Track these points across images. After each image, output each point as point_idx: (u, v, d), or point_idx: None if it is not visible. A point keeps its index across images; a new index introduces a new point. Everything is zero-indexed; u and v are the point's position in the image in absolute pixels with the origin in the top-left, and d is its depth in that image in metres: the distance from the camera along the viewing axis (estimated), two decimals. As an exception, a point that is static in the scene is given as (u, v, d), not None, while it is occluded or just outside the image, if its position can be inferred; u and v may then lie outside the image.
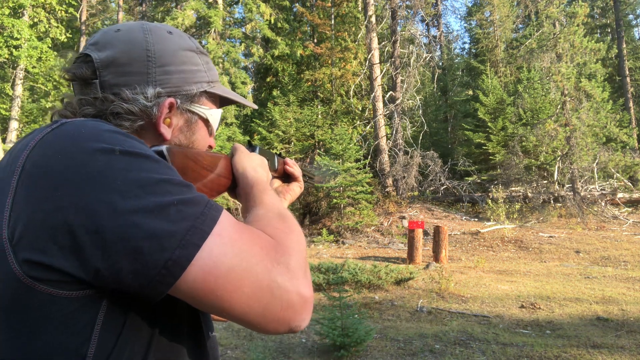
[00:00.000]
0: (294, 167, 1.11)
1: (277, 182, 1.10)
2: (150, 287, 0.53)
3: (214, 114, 0.79)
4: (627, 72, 21.96)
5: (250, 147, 0.96)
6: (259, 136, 16.92)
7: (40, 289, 0.53)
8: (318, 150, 17.00)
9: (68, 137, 0.56)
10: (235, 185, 0.84)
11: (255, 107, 0.95)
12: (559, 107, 14.66)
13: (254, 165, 0.84)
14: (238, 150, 0.87)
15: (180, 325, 0.65)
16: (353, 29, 19.54)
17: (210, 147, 0.83)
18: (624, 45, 22.17)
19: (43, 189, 0.53)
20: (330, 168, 12.86)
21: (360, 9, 19.24)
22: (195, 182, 0.73)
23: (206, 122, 0.78)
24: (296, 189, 1.12)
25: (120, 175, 0.54)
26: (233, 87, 17.31)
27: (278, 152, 1.11)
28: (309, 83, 19.46)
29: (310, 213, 14.36)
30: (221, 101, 0.85)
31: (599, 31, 26.01)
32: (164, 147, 0.68)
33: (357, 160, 14.04)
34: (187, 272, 0.53)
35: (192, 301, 0.56)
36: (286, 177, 1.12)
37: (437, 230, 9.15)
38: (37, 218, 0.52)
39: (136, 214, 0.52)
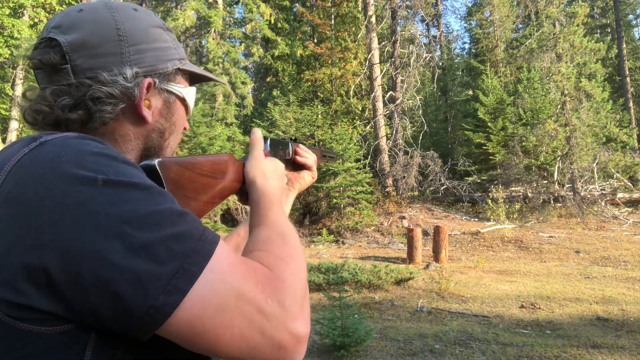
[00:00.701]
0: (306, 157, 1.08)
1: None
2: (134, 331, 0.50)
3: (189, 93, 0.76)
4: (627, 72, 21.96)
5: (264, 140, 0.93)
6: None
7: (22, 327, 0.49)
8: (318, 150, 17.00)
9: (47, 162, 0.51)
10: (245, 188, 0.81)
11: (225, 82, 0.93)
12: (559, 107, 14.66)
13: (266, 174, 0.82)
14: (253, 152, 0.85)
15: (177, 354, 0.62)
16: (353, 29, 19.54)
17: (185, 128, 0.79)
18: (624, 45, 22.17)
19: (18, 223, 0.49)
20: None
21: (360, 9, 19.24)
22: (196, 193, 0.70)
23: (183, 101, 0.75)
24: (307, 177, 1.09)
25: (103, 210, 0.49)
26: (233, 87, 17.32)
27: (293, 137, 1.08)
28: (309, 83, 19.46)
29: (310, 213, 14.36)
30: (191, 79, 0.80)
31: (599, 31, 26.00)
32: (155, 162, 0.64)
33: (357, 160, 14.04)
34: (172, 317, 0.49)
35: (178, 342, 0.53)
36: (298, 164, 1.08)
37: (437, 230, 9.15)
38: (13, 256, 0.48)
39: (119, 255, 0.48)
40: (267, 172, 0.82)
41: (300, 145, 1.08)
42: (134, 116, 0.67)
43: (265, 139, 0.93)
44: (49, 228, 0.48)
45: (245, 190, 0.82)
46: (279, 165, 0.88)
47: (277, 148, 0.98)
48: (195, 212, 0.69)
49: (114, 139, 0.66)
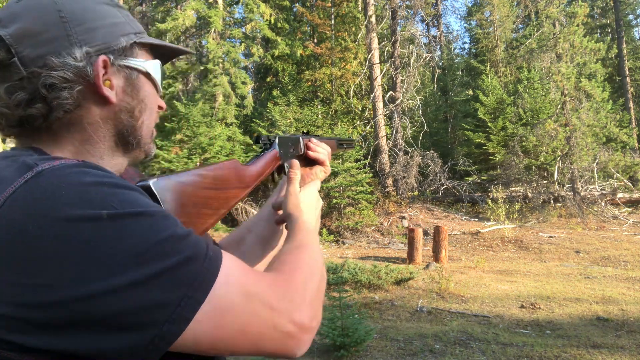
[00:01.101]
0: (319, 151, 1.05)
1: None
2: (140, 358, 0.50)
3: (153, 66, 0.71)
4: (627, 72, 21.96)
5: (269, 140, 0.92)
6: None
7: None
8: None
9: (47, 199, 0.49)
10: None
11: (192, 52, 0.89)
12: (559, 107, 14.66)
13: (303, 208, 0.89)
14: (288, 188, 0.92)
15: None
16: (353, 29, 19.54)
17: (160, 107, 0.75)
18: (624, 45, 22.17)
19: (17, 261, 0.47)
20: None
21: (360, 9, 19.24)
22: (199, 208, 0.69)
23: (147, 75, 0.70)
24: (320, 173, 1.08)
25: (110, 247, 0.49)
26: (233, 87, 17.32)
27: (305, 131, 1.05)
28: (309, 83, 19.46)
29: (310, 213, 14.38)
30: (162, 57, 0.77)
31: (599, 31, 26.00)
32: (150, 182, 0.63)
33: (357, 160, 14.04)
34: (179, 341, 0.51)
35: (190, 352, 0.55)
36: (311, 160, 1.04)
37: (437, 230, 9.15)
38: (10, 295, 0.47)
39: (126, 289, 0.48)
40: (304, 206, 0.90)
41: (313, 139, 1.05)
42: (97, 99, 0.64)
43: (274, 137, 0.93)
44: (52, 266, 0.47)
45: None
46: (316, 197, 0.97)
47: (287, 145, 0.96)
48: (200, 227, 0.68)
49: (82, 128, 0.64)
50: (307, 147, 1.03)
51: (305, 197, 0.93)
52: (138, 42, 0.69)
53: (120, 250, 0.49)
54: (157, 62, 0.72)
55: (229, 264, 0.57)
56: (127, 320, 0.48)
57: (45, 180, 0.51)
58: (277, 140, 0.92)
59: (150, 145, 0.74)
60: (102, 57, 0.63)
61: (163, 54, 0.77)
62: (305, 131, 1.04)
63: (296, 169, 0.95)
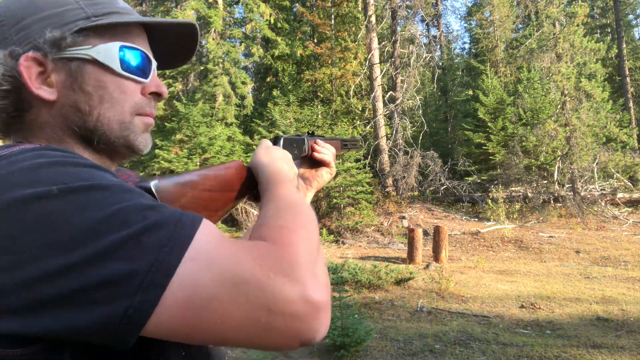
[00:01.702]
0: (324, 152, 1.02)
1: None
2: (116, 338, 0.46)
3: (103, 50, 0.62)
4: (627, 72, 21.96)
5: (274, 141, 0.90)
6: (258, 136, 16.91)
7: None
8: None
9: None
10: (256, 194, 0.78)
11: (189, 21, 0.72)
12: (559, 107, 14.67)
13: (273, 159, 0.79)
14: (258, 147, 0.83)
15: (166, 355, 0.57)
16: (353, 29, 19.54)
17: (156, 93, 0.69)
18: (624, 45, 22.17)
19: None
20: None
21: (360, 9, 19.24)
22: (204, 210, 0.67)
23: (97, 63, 0.62)
24: (325, 175, 1.04)
25: (63, 221, 0.46)
26: (233, 87, 17.32)
27: (310, 131, 1.03)
28: (309, 83, 19.46)
29: (310, 213, 14.38)
30: (159, 37, 0.71)
31: (599, 31, 26.00)
32: (150, 184, 0.61)
33: (357, 160, 14.04)
34: (156, 315, 0.46)
35: (176, 339, 0.49)
36: (316, 161, 1.02)
37: (437, 230, 9.15)
38: None
39: (87, 264, 0.45)
40: (274, 156, 0.80)
41: (318, 141, 1.03)
42: (37, 99, 0.61)
43: (278, 138, 0.91)
44: (10, 253, 0.45)
45: (256, 194, 0.78)
46: (287, 154, 0.84)
47: (292, 147, 0.95)
48: None
49: (41, 129, 0.62)
50: (312, 149, 1.01)
51: (276, 151, 0.82)
52: (85, 27, 0.62)
53: (74, 224, 0.46)
54: (111, 45, 0.63)
55: (209, 229, 0.51)
56: (94, 294, 0.45)
57: (0, 167, 0.50)
58: (282, 141, 0.90)
59: (134, 138, 0.66)
60: (26, 55, 0.59)
61: (165, 34, 0.72)
62: (310, 132, 1.03)
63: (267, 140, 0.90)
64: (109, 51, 0.63)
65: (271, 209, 0.65)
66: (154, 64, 0.69)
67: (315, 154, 1.01)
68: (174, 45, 0.75)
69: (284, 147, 0.91)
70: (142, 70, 0.67)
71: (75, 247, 0.45)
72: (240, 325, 0.48)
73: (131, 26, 0.67)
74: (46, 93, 0.61)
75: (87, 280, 0.45)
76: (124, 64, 0.64)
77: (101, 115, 0.63)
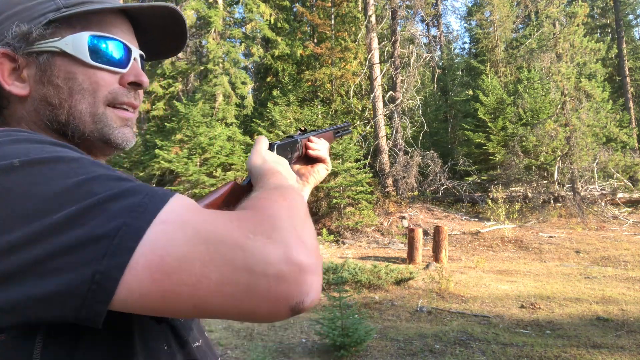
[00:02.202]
0: (318, 148, 1.00)
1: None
2: (85, 309, 0.43)
3: (71, 41, 0.61)
4: (627, 72, 21.96)
5: (270, 147, 0.89)
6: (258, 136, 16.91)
7: None
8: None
9: None
10: None
11: (144, 5, 0.67)
12: (559, 107, 14.67)
13: (266, 160, 0.78)
14: (252, 149, 0.82)
15: (150, 345, 0.55)
16: (353, 29, 19.53)
17: (135, 83, 0.66)
18: (624, 45, 22.17)
19: None
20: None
21: (360, 9, 19.24)
22: None
23: (66, 55, 0.61)
24: (322, 171, 1.02)
25: (26, 192, 0.45)
26: (233, 87, 17.32)
27: (302, 128, 1.01)
28: (309, 83, 19.46)
29: (310, 213, 14.36)
30: (145, 27, 0.70)
31: (599, 31, 26.00)
32: None
33: (357, 160, 14.04)
34: (125, 281, 0.43)
35: (152, 311, 0.46)
36: (311, 158, 1.01)
37: (437, 230, 9.15)
38: None
39: (51, 233, 0.43)
40: (268, 158, 0.79)
41: (311, 137, 1.01)
42: (11, 95, 0.61)
43: (272, 145, 0.89)
44: None
45: None
46: (282, 158, 0.84)
47: (286, 151, 0.93)
48: None
49: (19, 124, 0.62)
50: (306, 147, 1.00)
51: (270, 155, 0.82)
52: (54, 19, 0.60)
53: (38, 194, 0.45)
54: (81, 35, 0.61)
55: (183, 199, 0.49)
56: (59, 262, 0.43)
57: None
58: (275, 148, 0.89)
59: (109, 132, 0.64)
60: None
61: (151, 22, 0.70)
62: (301, 128, 1.01)
63: (262, 137, 0.88)
64: (77, 42, 0.61)
65: (257, 192, 0.63)
66: (135, 52, 0.67)
67: (310, 152, 1.00)
68: (163, 34, 0.73)
69: (278, 154, 0.89)
70: (118, 60, 0.64)
71: (39, 216, 0.44)
72: (218, 289, 0.44)
73: (108, 15, 0.64)
74: (17, 89, 0.61)
75: (51, 248, 0.43)
76: (94, 54, 0.62)
77: (72, 108, 0.62)
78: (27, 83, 0.61)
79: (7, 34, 0.60)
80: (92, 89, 0.62)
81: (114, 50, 0.64)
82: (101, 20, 0.64)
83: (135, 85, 0.66)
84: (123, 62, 0.65)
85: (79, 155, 0.50)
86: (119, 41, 0.64)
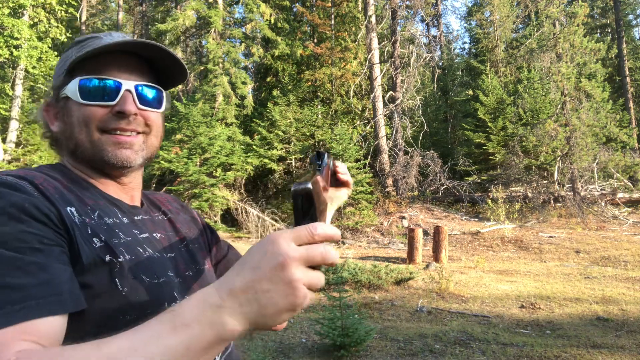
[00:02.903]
0: (347, 172, 1.04)
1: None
2: None
3: (70, 87, 0.77)
4: (627, 72, 21.95)
5: (318, 156, 0.84)
6: (259, 136, 16.92)
7: None
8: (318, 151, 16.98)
9: None
10: None
11: (108, 44, 0.78)
12: (559, 107, 14.67)
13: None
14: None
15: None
16: (353, 29, 19.53)
17: (121, 112, 0.76)
18: (624, 45, 22.16)
19: None
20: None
21: (360, 9, 19.24)
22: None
23: (69, 98, 0.77)
24: (345, 195, 1.07)
25: None
26: (233, 87, 17.32)
27: (324, 150, 1.02)
28: (309, 83, 19.45)
29: (310, 213, 14.36)
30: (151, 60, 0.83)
31: (599, 31, 26.01)
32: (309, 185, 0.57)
33: (357, 160, 14.04)
34: None
35: None
36: (335, 182, 1.02)
37: (437, 230, 9.15)
38: None
39: None
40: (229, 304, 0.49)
41: (337, 162, 1.04)
42: (54, 132, 0.82)
43: (322, 153, 0.85)
44: None
45: None
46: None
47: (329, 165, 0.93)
48: None
49: (61, 150, 0.82)
50: (336, 170, 1.02)
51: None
52: (66, 70, 0.78)
53: None
54: (74, 81, 0.77)
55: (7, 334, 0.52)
56: None
57: None
58: (327, 157, 0.86)
59: (104, 154, 0.77)
60: (44, 102, 0.82)
61: (154, 55, 0.82)
62: (325, 151, 0.94)
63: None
64: (72, 87, 0.77)
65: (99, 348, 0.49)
66: (127, 85, 0.78)
67: (341, 176, 1.03)
68: (164, 62, 0.84)
69: (324, 168, 0.83)
70: (105, 95, 0.77)
71: None
72: None
73: (103, 57, 0.78)
74: (54, 127, 0.81)
75: None
76: (83, 94, 0.76)
77: (77, 139, 0.77)
78: (59, 122, 0.80)
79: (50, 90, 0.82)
80: (85, 122, 0.76)
81: (100, 88, 0.77)
82: (97, 63, 0.77)
83: (120, 113, 0.77)
84: (111, 96, 0.77)
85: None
86: (106, 79, 0.77)
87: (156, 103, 0.82)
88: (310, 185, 0.55)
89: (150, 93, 0.81)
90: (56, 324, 0.56)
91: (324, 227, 0.51)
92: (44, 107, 0.82)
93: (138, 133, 0.79)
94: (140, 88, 0.79)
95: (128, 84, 0.78)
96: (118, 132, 0.77)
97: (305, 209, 0.55)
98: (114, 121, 0.77)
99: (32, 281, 0.55)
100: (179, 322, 0.47)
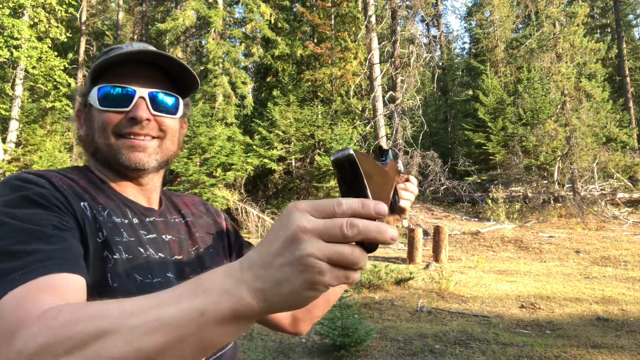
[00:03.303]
0: (412, 194, 0.87)
1: None
2: None
3: (92, 94, 0.83)
4: (627, 72, 21.95)
5: (381, 152, 0.72)
6: (259, 136, 16.92)
7: None
8: (318, 150, 17.00)
9: None
10: None
11: (138, 49, 0.84)
12: (559, 107, 14.67)
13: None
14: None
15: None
16: (353, 29, 19.53)
17: (134, 118, 0.81)
18: (624, 45, 22.16)
19: None
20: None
21: (360, 9, 19.23)
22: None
23: (91, 105, 0.83)
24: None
25: None
26: (233, 87, 17.31)
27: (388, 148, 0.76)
28: (309, 83, 19.45)
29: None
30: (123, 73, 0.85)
31: (599, 31, 26.00)
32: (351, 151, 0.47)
33: (357, 160, 14.01)
34: None
35: None
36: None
37: (437, 230, 9.15)
38: None
39: None
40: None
41: (411, 178, 0.89)
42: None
43: (385, 150, 0.73)
44: None
45: None
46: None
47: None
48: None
49: (87, 152, 0.88)
50: (398, 193, 0.85)
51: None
52: (92, 77, 0.84)
53: None
54: (94, 88, 0.82)
55: (14, 294, 0.54)
56: None
57: None
58: (390, 155, 0.73)
59: (119, 157, 0.81)
60: (77, 107, 0.89)
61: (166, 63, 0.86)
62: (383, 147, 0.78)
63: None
64: (92, 94, 0.83)
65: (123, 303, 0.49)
66: (141, 92, 0.82)
67: (403, 196, 0.85)
68: (177, 71, 0.87)
69: (390, 168, 0.70)
70: (120, 102, 0.82)
71: None
72: None
73: (122, 66, 0.83)
74: (82, 131, 0.87)
75: None
76: (102, 101, 0.82)
77: (97, 142, 0.83)
78: (85, 127, 0.86)
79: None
80: (103, 127, 0.82)
81: (116, 95, 0.82)
82: (116, 72, 0.83)
83: (133, 119, 0.81)
84: (125, 103, 0.82)
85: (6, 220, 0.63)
86: (121, 87, 0.82)
87: (172, 109, 0.86)
88: (351, 151, 0.46)
89: (165, 100, 0.85)
90: (79, 282, 0.61)
91: (352, 202, 0.43)
92: (75, 113, 0.88)
93: (153, 137, 0.84)
94: (154, 95, 0.84)
95: (142, 91, 0.82)
96: (132, 137, 0.82)
97: (350, 181, 0.46)
98: (128, 126, 0.82)
99: (54, 247, 0.61)
100: (200, 288, 0.45)
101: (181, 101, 0.89)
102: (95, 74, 0.83)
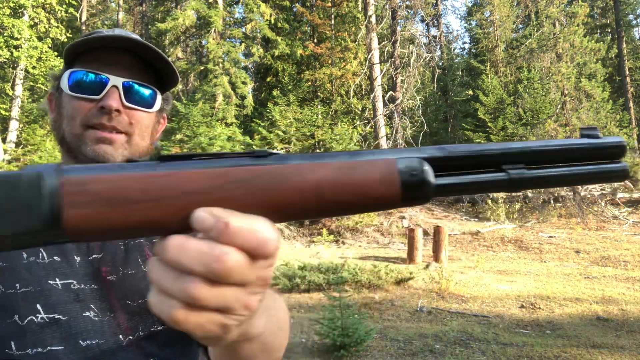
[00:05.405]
0: None
1: None
2: None
3: (63, 77, 0.77)
4: (627, 72, 21.95)
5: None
6: (259, 136, 16.92)
7: None
8: (318, 150, 17.00)
9: None
10: None
11: (99, 36, 0.78)
12: (559, 107, 14.68)
13: None
14: None
15: None
16: (353, 29, 19.53)
17: (103, 107, 0.75)
18: (624, 45, 22.16)
19: None
20: None
21: (360, 9, 19.24)
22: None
23: (61, 89, 0.78)
24: None
25: None
26: (233, 87, 17.31)
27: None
28: (309, 83, 19.46)
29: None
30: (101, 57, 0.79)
31: (599, 31, 25.99)
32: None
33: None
34: None
35: None
36: None
37: (437, 230, 9.15)
38: None
39: None
40: None
41: None
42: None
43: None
44: None
45: None
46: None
47: None
48: None
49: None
50: None
51: None
52: (66, 60, 0.79)
53: None
54: (66, 72, 0.77)
55: None
56: None
57: None
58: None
59: (84, 148, 0.76)
60: (49, 93, 0.84)
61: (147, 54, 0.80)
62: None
63: None
64: (64, 77, 0.77)
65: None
66: (114, 81, 0.76)
67: None
68: (157, 61, 0.82)
69: None
70: (91, 89, 0.76)
71: None
72: None
73: (97, 51, 0.77)
74: (51, 116, 0.82)
75: None
76: (71, 87, 0.76)
77: (64, 130, 0.78)
78: (54, 112, 0.81)
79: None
80: (72, 115, 0.77)
81: (88, 81, 0.76)
82: (92, 57, 0.77)
83: (102, 108, 0.75)
84: (96, 91, 0.76)
85: None
86: (94, 73, 0.76)
87: (147, 102, 0.80)
88: None
89: (141, 91, 0.79)
90: None
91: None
92: (47, 96, 0.84)
93: (119, 132, 0.77)
94: (129, 85, 0.77)
95: (116, 79, 0.76)
96: (99, 128, 0.76)
97: None
98: (96, 117, 0.76)
99: None
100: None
101: (159, 95, 0.82)
102: (70, 57, 0.78)
